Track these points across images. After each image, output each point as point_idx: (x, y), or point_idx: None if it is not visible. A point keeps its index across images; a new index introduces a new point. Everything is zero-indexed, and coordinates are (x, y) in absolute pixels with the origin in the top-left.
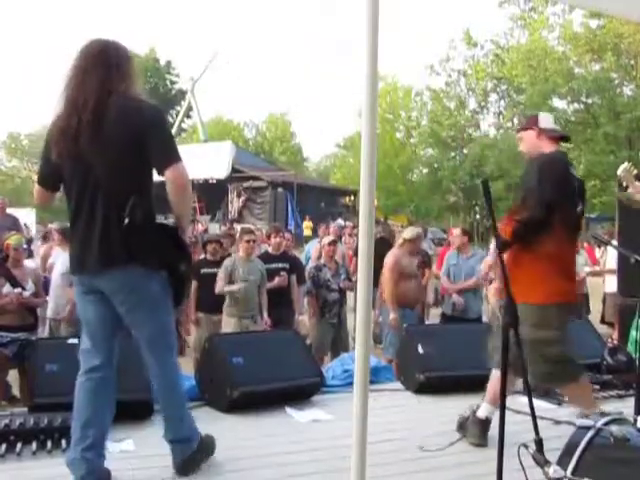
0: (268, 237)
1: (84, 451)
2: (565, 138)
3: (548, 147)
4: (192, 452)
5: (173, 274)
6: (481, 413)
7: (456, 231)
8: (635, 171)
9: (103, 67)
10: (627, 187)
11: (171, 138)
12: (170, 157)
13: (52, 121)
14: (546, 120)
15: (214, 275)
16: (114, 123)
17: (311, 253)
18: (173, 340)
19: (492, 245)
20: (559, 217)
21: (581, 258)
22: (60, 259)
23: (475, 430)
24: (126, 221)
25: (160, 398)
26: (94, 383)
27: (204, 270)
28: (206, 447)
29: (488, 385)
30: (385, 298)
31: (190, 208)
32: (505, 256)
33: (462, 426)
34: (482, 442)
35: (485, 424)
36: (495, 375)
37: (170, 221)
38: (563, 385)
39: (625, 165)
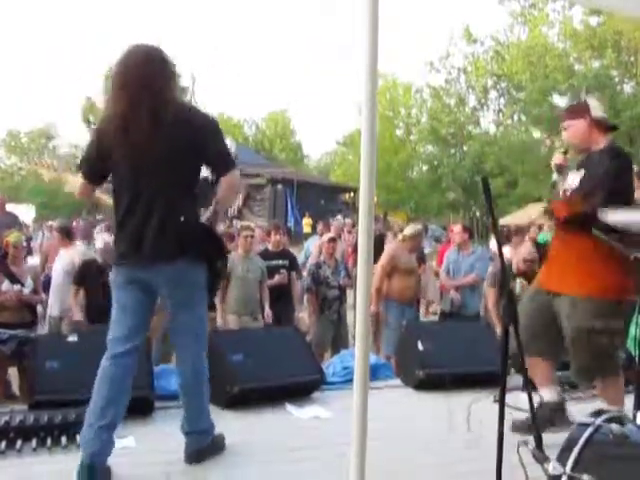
0: (268, 234)
1: (100, 430)
2: (614, 128)
3: (601, 140)
4: (207, 444)
5: (210, 270)
6: (548, 397)
7: (457, 228)
8: (636, 168)
9: (162, 75)
10: None
11: (226, 145)
12: (229, 163)
13: (108, 119)
14: (597, 107)
15: None
16: (173, 127)
17: (311, 250)
18: (205, 332)
19: (492, 242)
20: None
21: None
22: (62, 257)
23: (555, 415)
24: (182, 219)
25: (185, 387)
26: (119, 369)
27: None
28: (217, 443)
29: (531, 373)
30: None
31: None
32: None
33: (538, 421)
34: (568, 423)
35: (560, 405)
36: (533, 362)
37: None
38: (606, 377)
39: None
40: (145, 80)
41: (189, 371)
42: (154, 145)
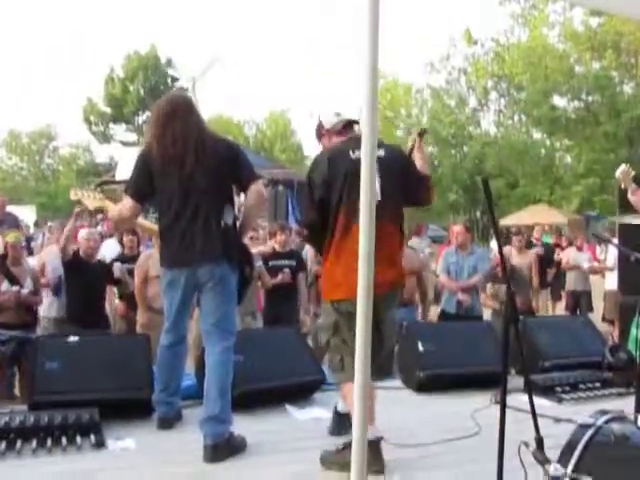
0: (273, 234)
1: (167, 396)
2: None
3: None
4: (224, 439)
5: (240, 274)
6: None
7: (458, 228)
8: (633, 172)
9: (195, 113)
10: (626, 189)
11: (249, 161)
12: (254, 175)
13: (156, 148)
14: None
15: None
16: (212, 152)
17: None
18: (234, 328)
19: (493, 243)
20: None
21: (584, 255)
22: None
23: None
24: (222, 224)
25: (209, 377)
26: (172, 354)
27: None
28: (237, 443)
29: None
30: None
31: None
32: None
33: None
34: None
35: None
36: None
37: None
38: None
39: (623, 167)
40: (186, 116)
41: (217, 361)
42: (198, 168)
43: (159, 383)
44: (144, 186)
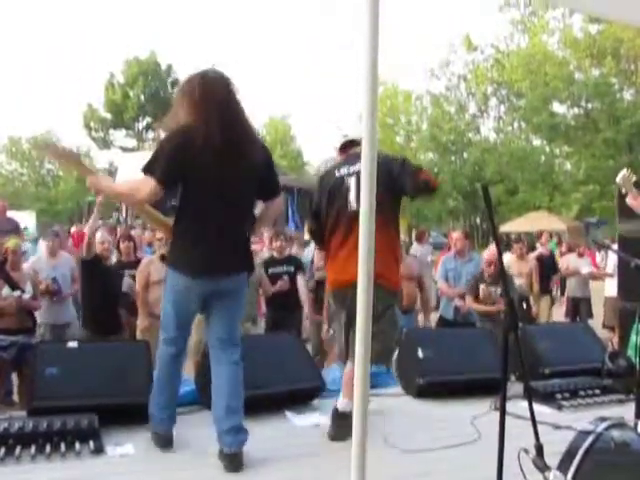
0: (270, 241)
1: (171, 411)
2: None
3: None
4: (242, 448)
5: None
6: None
7: (457, 234)
8: (634, 178)
9: (239, 103)
10: (626, 194)
11: (277, 174)
12: (278, 189)
13: (194, 134)
14: None
15: None
16: (251, 150)
17: (310, 257)
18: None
19: (491, 248)
20: None
21: (584, 261)
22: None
23: None
24: (247, 234)
25: (223, 388)
26: (178, 364)
27: None
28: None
29: None
30: None
31: None
32: None
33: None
34: None
35: None
36: None
37: None
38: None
39: (624, 172)
40: (231, 105)
41: (229, 372)
42: (236, 168)
43: (162, 397)
44: (175, 172)
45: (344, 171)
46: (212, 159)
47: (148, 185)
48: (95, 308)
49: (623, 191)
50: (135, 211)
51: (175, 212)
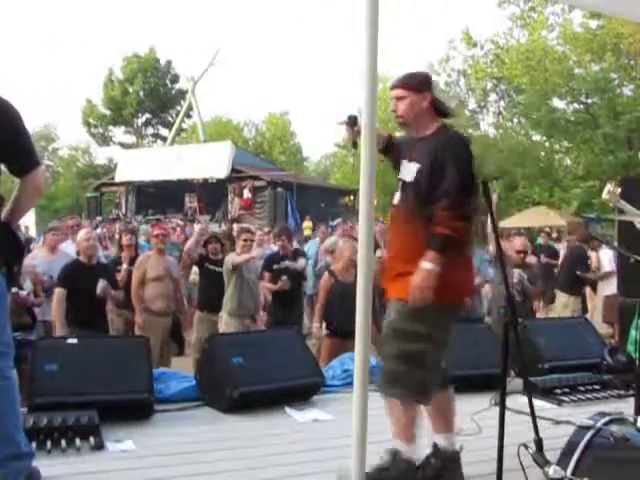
0: (276, 237)
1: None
2: (447, 115)
3: (434, 124)
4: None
5: (7, 273)
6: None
7: None
8: (619, 190)
9: None
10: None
11: (30, 142)
12: (33, 160)
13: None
14: (437, 87)
15: (214, 274)
16: None
17: (312, 252)
18: (10, 339)
19: (491, 246)
20: None
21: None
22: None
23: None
24: None
25: None
26: None
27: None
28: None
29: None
30: None
31: None
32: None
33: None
34: None
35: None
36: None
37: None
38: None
39: (608, 187)
40: None
41: None
42: None
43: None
44: None
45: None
46: None
47: None
48: (80, 307)
49: (611, 205)
50: None
51: None
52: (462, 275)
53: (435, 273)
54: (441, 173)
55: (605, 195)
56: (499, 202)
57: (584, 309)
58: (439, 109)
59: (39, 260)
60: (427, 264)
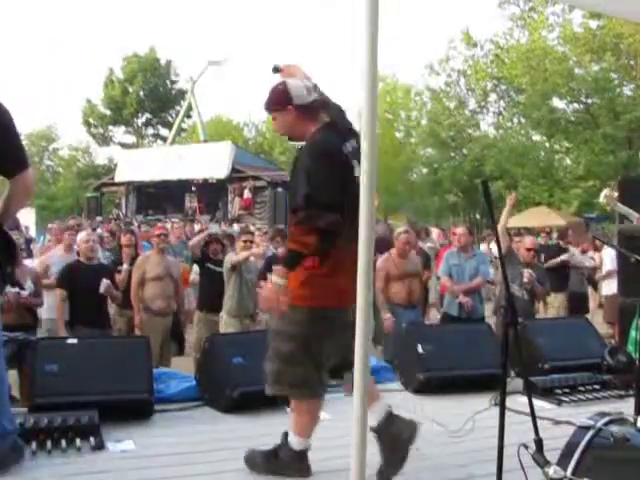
0: (271, 239)
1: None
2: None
3: (312, 127)
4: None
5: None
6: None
7: (461, 230)
8: (616, 193)
9: None
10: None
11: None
12: (21, 161)
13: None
14: (298, 89)
15: (214, 274)
16: None
17: None
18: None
19: (492, 246)
20: None
21: (586, 256)
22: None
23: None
24: None
25: None
26: None
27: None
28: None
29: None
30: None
31: None
32: None
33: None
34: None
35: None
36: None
37: None
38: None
39: (605, 191)
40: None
41: None
42: None
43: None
44: None
45: (348, 148)
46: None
47: None
48: (82, 307)
49: (608, 209)
50: None
51: None
52: (335, 280)
53: (281, 287)
54: (296, 186)
55: (602, 199)
56: (516, 203)
57: (585, 309)
58: (313, 110)
59: (55, 259)
60: (274, 277)
